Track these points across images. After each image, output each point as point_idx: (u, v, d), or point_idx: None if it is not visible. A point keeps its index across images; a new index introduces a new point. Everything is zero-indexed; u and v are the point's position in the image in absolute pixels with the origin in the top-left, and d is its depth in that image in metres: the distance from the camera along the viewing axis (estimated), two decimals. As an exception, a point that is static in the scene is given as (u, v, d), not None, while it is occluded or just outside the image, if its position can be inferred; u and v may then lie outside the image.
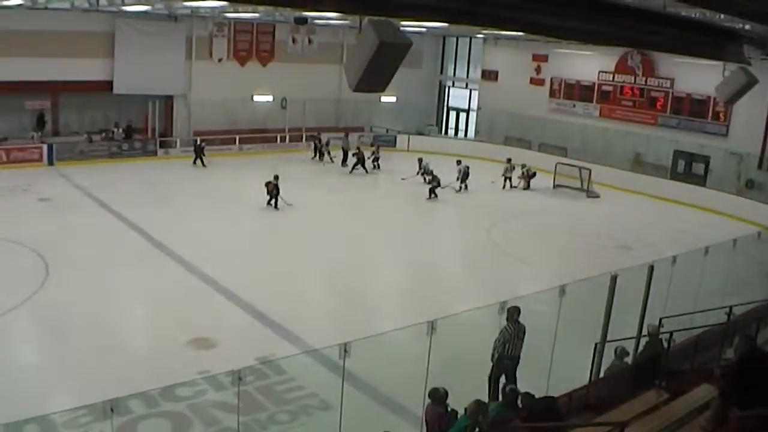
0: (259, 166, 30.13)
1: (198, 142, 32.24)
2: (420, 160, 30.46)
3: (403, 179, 30.35)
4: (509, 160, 31.84)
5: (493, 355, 11.96)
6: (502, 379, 11.82)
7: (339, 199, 27.73)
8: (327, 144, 34.69)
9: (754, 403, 7.03)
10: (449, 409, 9.82)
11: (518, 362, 11.98)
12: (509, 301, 11.39)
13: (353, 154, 32.76)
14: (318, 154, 34.77)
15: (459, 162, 30.61)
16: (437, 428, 9.80)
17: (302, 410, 11.98)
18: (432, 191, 28.22)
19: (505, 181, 31.26)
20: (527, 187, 31.71)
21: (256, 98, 36.86)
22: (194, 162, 31.65)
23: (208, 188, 27.35)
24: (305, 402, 12.24)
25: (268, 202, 24.62)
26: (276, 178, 24.55)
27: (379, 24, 6.45)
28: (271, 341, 14.37)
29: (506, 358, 11.91)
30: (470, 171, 29.96)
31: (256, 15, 30.51)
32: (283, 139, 36.51)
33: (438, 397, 9.92)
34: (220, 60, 35.33)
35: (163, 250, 19.72)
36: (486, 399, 9.75)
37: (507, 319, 11.89)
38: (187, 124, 34.90)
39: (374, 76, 6.73)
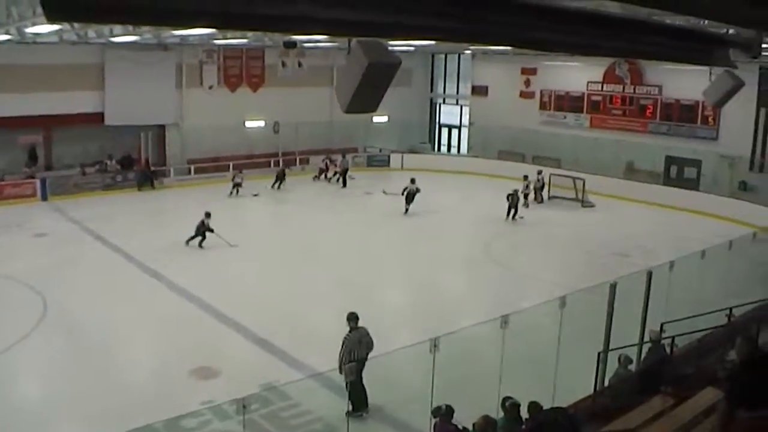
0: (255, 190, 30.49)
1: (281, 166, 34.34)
2: (412, 180, 29.10)
3: (384, 192, 30.49)
4: (526, 177, 31.15)
5: (341, 365, 12.06)
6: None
7: (335, 220, 27.80)
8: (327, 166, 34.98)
9: (761, 403, 7.07)
10: (461, 427, 9.81)
11: (364, 365, 12.16)
12: (511, 315, 11.38)
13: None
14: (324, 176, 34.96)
15: (413, 181, 28.77)
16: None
17: (308, 435, 11.97)
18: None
19: (525, 198, 30.06)
20: (541, 200, 31.64)
21: (248, 123, 36.94)
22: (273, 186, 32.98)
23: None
24: (311, 427, 12.20)
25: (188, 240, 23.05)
26: (207, 215, 23.11)
27: (367, 44, 6.49)
28: (274, 367, 14.33)
29: (354, 363, 12.08)
30: (420, 191, 28.48)
31: (245, 41, 30.60)
32: (276, 164, 36.57)
33: (443, 414, 9.92)
34: (210, 87, 35.47)
35: (161, 279, 19.69)
36: (493, 414, 9.72)
37: (349, 327, 12.39)
38: (180, 152, 34.94)
39: (365, 97, 6.76)
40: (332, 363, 12.14)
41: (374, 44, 6.56)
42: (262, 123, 37.21)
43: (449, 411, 9.95)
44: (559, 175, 32.72)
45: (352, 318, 12.59)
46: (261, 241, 24.23)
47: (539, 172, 32.12)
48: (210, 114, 34.79)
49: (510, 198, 28.13)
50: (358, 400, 12.18)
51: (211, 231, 22.68)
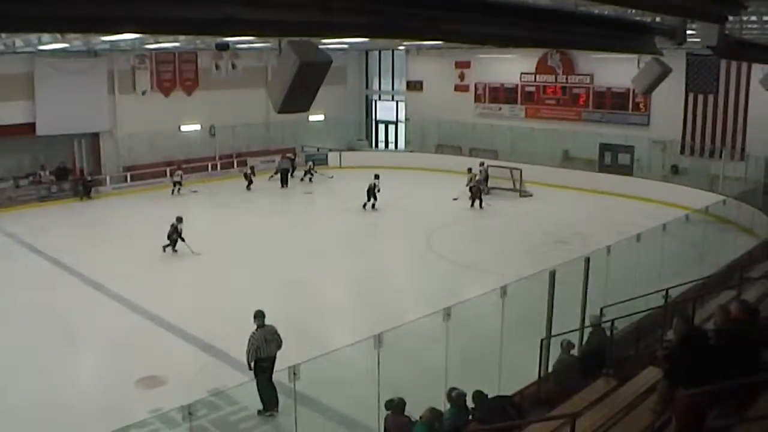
0: (195, 199, 30.22)
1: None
2: (376, 176, 29.38)
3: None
4: (470, 170, 31.46)
5: (249, 363, 12.47)
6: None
7: (281, 220, 27.69)
8: (252, 170, 34.45)
9: (698, 380, 7.28)
10: (413, 419, 9.89)
11: (273, 363, 12.45)
12: (454, 307, 11.50)
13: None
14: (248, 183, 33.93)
15: (376, 177, 29.27)
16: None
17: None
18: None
19: (470, 191, 30.04)
20: (487, 192, 31.51)
21: (184, 128, 36.48)
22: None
23: (141, 225, 26.83)
24: (261, 429, 12.18)
25: (164, 247, 22.76)
26: (179, 220, 22.83)
27: (298, 44, 6.51)
28: (221, 372, 14.20)
29: (262, 360, 12.40)
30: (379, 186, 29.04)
31: (177, 44, 30.27)
32: (214, 167, 36.23)
33: (395, 406, 10.00)
34: (144, 92, 34.87)
35: (101, 289, 19.33)
36: (439, 406, 9.83)
37: (256, 325, 12.62)
38: (116, 160, 34.32)
39: (298, 97, 6.78)
40: (278, 364, 12.13)
41: (305, 44, 6.59)
42: (198, 126, 36.81)
43: (401, 403, 10.05)
44: (496, 167, 33.05)
45: (259, 315, 12.70)
46: (206, 244, 23.98)
47: (482, 164, 32.50)
48: (144, 120, 34.19)
49: (471, 189, 29.32)
50: (268, 399, 12.32)
51: (182, 239, 22.46)
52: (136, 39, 25.00)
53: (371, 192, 28.48)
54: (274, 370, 12.35)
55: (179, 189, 31.57)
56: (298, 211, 30.06)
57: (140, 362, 14.65)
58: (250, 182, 33.52)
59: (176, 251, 22.45)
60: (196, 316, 17.07)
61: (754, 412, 6.92)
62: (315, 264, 21.57)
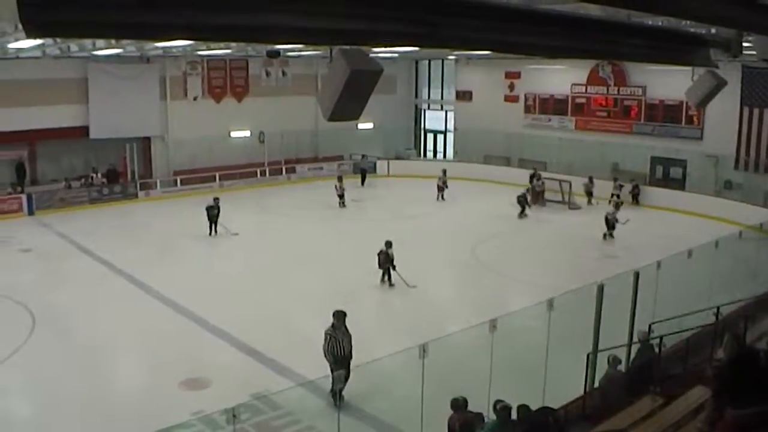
0: (242, 201, 30.48)
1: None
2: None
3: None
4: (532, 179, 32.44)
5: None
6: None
7: (324, 228, 27.75)
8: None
9: (748, 401, 7.10)
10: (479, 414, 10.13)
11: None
12: (500, 318, 11.39)
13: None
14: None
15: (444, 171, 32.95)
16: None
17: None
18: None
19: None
20: (543, 204, 32.32)
21: (234, 134, 36.95)
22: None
23: (190, 227, 27.13)
24: None
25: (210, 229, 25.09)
26: (216, 200, 24.41)
27: (349, 52, 6.51)
28: (265, 376, 14.27)
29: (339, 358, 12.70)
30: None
31: (229, 51, 30.64)
32: (263, 173, 36.53)
33: (460, 405, 10.18)
34: (195, 98, 35.43)
35: (149, 291, 19.62)
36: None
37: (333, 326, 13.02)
38: (166, 164, 34.89)
39: (348, 105, 6.78)
40: (322, 370, 12.13)
41: (356, 52, 6.58)
42: (247, 133, 37.22)
43: (465, 401, 10.21)
44: (545, 179, 32.84)
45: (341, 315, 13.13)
46: (251, 248, 24.18)
47: (538, 177, 32.65)
48: (195, 125, 34.77)
49: (520, 199, 29.72)
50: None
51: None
52: (187, 45, 25.33)
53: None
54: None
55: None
56: (347, 220, 29.90)
57: (184, 364, 14.79)
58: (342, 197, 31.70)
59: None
60: (240, 319, 17.18)
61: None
62: (361, 272, 21.44)
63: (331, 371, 12.39)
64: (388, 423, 12.42)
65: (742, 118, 30.58)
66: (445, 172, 33.00)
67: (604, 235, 26.05)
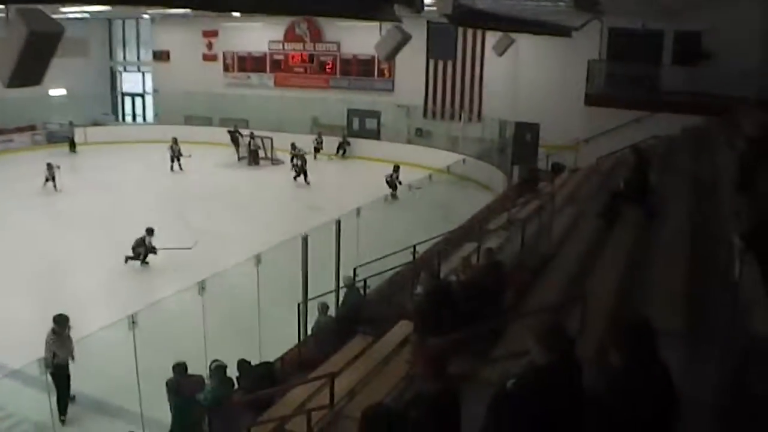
0: None
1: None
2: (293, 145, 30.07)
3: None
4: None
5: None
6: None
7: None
8: None
9: (444, 329, 7.74)
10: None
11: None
12: (209, 279, 11.35)
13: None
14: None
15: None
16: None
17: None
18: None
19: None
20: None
21: None
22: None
23: None
24: (19, 429, 11.26)
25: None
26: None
27: (27, 12, 6.08)
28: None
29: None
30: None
31: None
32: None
33: (182, 368, 10.19)
34: None
35: None
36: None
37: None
38: None
39: (28, 69, 6.33)
40: (29, 357, 11.20)
41: (35, 12, 6.16)
42: None
43: (185, 366, 10.18)
44: (245, 136, 33.19)
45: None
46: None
47: (252, 136, 32.74)
48: None
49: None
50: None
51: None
52: None
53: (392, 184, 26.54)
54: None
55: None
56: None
57: None
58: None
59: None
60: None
61: (496, 354, 7.47)
62: (66, 249, 20.06)
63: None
64: (102, 400, 11.89)
65: (428, 70, 32.74)
66: (176, 140, 30.75)
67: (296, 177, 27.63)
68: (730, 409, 5.10)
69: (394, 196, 24.81)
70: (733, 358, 5.60)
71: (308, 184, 27.82)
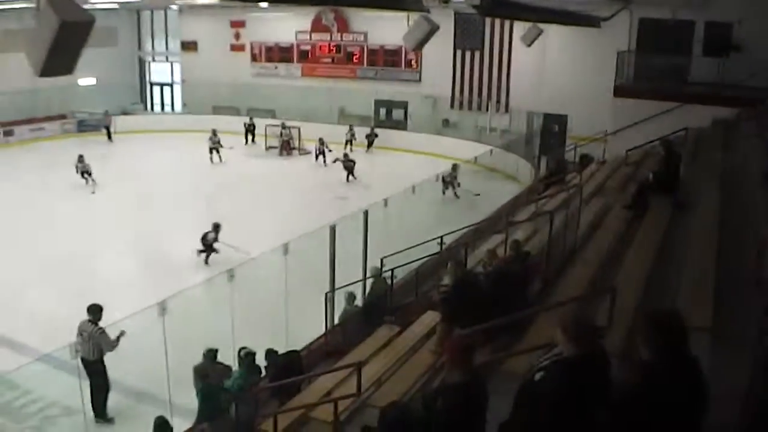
0: None
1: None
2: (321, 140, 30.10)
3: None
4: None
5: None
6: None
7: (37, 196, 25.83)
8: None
9: (471, 320, 7.75)
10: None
11: None
12: (237, 268, 11.44)
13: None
14: None
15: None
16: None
17: (46, 421, 11.14)
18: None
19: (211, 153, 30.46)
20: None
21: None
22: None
23: None
24: (48, 412, 11.35)
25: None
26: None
27: (58, 3, 6.14)
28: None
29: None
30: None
31: None
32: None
33: (212, 356, 10.30)
34: None
35: None
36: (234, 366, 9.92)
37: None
38: None
39: (60, 59, 6.40)
40: (57, 342, 11.34)
41: (65, 2, 6.22)
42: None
43: (214, 353, 10.29)
44: (274, 126, 33.28)
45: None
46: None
47: (283, 126, 32.79)
48: None
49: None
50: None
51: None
52: None
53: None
54: None
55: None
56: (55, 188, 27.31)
57: None
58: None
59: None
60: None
61: (522, 347, 7.47)
62: (89, 238, 20.23)
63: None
64: (134, 386, 12.03)
65: (455, 61, 32.67)
66: (215, 131, 30.66)
67: (347, 177, 27.01)
68: (758, 405, 5.08)
69: (456, 195, 23.81)
70: (761, 355, 5.56)
71: (355, 179, 27.31)
